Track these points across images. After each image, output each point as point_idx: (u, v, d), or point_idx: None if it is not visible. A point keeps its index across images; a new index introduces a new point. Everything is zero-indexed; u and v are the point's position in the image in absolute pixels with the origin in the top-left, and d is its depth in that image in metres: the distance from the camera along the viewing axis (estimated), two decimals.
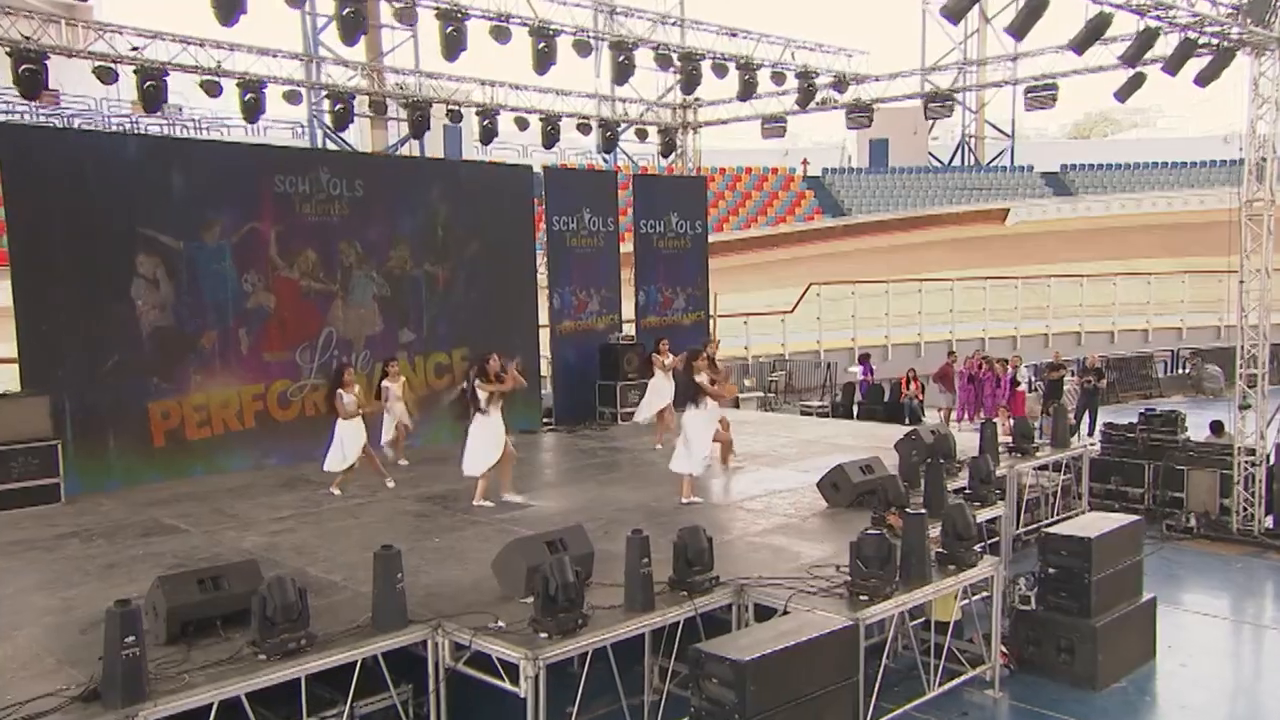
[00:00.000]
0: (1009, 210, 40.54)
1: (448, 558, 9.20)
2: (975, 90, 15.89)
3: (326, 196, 13.95)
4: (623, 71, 13.87)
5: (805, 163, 43.44)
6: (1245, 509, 13.43)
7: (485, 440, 10.87)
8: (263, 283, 13.52)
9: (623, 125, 18.21)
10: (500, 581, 8.08)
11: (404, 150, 29.66)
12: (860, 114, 16.73)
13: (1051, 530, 9.47)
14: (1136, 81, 13.75)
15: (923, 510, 8.52)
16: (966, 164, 46.34)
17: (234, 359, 13.34)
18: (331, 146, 29.13)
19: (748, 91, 15.27)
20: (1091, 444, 15.40)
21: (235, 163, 13.67)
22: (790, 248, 36.56)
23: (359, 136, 33.36)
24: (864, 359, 22.70)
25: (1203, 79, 12.66)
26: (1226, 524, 13.53)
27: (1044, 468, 13.27)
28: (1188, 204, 40.67)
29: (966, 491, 10.70)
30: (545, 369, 16.95)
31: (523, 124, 16.88)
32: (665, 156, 19.18)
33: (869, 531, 7.98)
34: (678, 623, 7.65)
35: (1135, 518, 9.98)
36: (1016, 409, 19.13)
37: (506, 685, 6.94)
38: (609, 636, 7.29)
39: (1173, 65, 12.24)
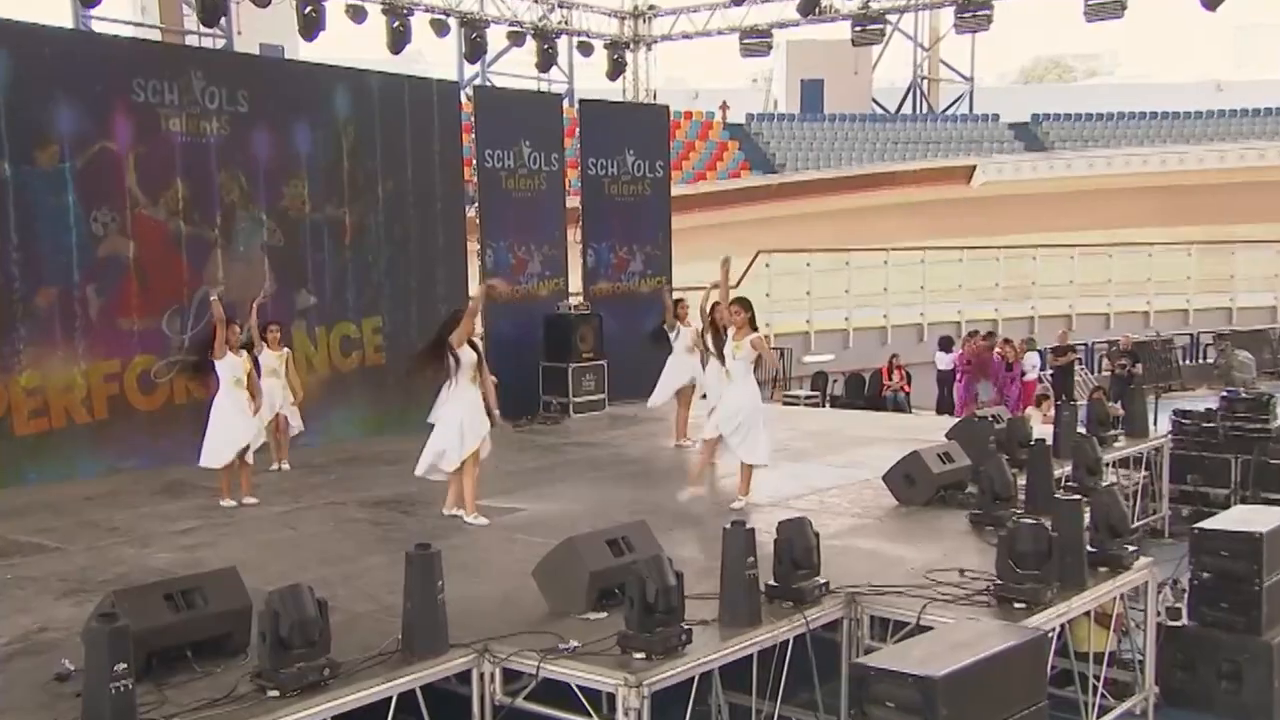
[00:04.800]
0: (975, 168, 41.70)
1: (450, 571, 8.74)
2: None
3: (201, 110, 13.30)
4: None
5: (725, 106, 43.68)
6: None
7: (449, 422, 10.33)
8: (118, 224, 12.81)
9: (559, 34, 17.90)
10: (547, 594, 7.75)
11: None
12: (872, 26, 16.80)
13: (1207, 525, 9.58)
14: None
15: (1077, 496, 8.50)
16: (919, 112, 47.41)
17: (80, 327, 12.62)
18: None
19: None
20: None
21: (78, 55, 12.80)
22: (715, 210, 36.68)
23: None
24: (946, 343, 21.89)
25: None
26: None
27: (1123, 463, 13.56)
28: (1184, 162, 42.47)
29: (1070, 483, 10.80)
30: None
31: (440, 27, 16.38)
32: (612, 79, 18.95)
33: (1024, 520, 7.92)
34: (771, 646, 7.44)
35: None
36: (1026, 400, 19.62)
37: None
38: (716, 657, 7.04)
39: None
